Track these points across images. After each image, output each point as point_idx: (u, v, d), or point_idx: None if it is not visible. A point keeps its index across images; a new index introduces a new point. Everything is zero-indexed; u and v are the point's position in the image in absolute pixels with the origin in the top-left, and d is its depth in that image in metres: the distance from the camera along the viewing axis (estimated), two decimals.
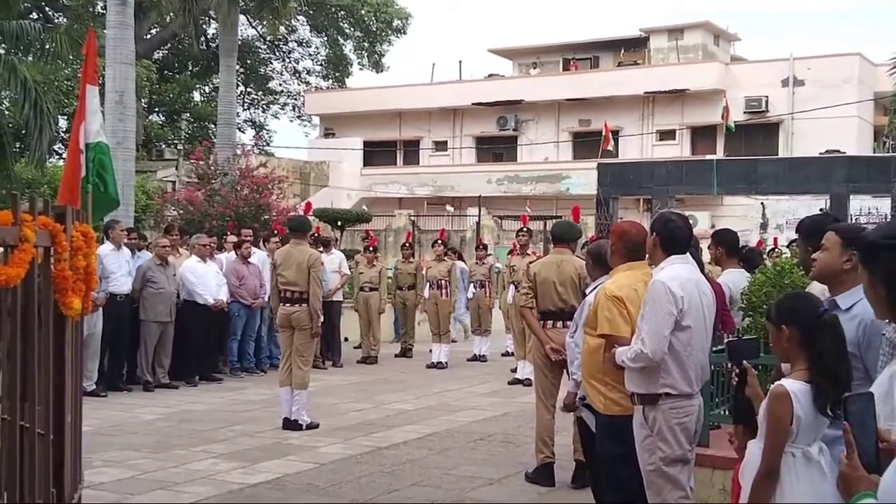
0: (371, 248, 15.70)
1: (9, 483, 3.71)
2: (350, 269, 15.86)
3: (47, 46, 19.48)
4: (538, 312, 7.69)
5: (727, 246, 7.43)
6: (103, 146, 7.01)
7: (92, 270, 4.36)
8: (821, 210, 19.41)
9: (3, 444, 3.75)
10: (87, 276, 4.25)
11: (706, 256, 7.29)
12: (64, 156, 31.21)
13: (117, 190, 7.42)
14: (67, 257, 3.97)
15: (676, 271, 4.83)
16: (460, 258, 17.94)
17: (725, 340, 4.86)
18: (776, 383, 3.61)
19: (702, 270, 5.60)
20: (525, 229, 13.71)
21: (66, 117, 30.35)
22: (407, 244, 16.28)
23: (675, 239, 4.91)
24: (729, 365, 5.10)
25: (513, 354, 13.81)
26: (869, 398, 2.56)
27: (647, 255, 5.21)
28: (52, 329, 4.05)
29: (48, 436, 4.00)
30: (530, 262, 8.21)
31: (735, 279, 6.98)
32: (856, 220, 23.11)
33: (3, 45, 20.26)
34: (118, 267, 11.45)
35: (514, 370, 13.15)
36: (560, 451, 7.57)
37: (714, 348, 5.52)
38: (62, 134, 30.00)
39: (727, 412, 6.28)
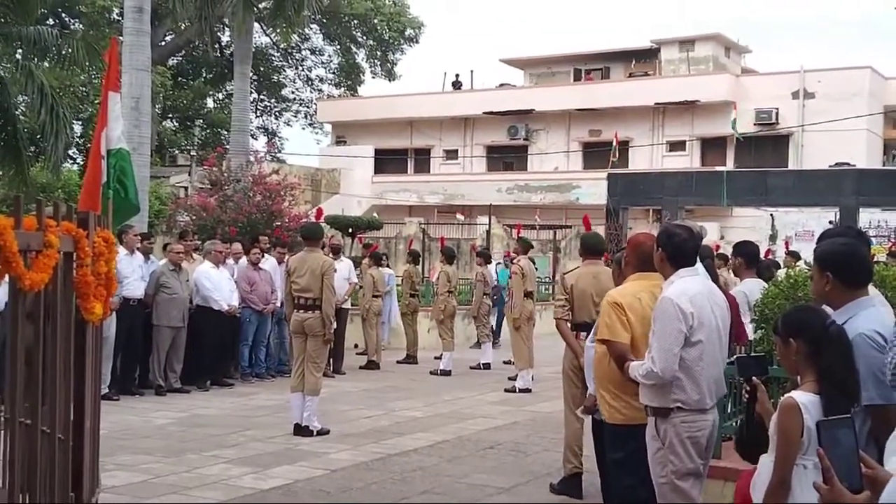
0: (376, 255, 15.94)
1: (29, 486, 3.76)
2: (357, 276, 15.96)
3: (63, 52, 19.61)
4: (573, 324, 7.53)
5: (747, 257, 7.68)
6: (124, 152, 7.10)
7: (112, 276, 4.42)
8: (830, 223, 19.43)
9: (23, 448, 3.81)
10: (107, 282, 4.31)
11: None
12: (78, 161, 31.40)
13: (138, 196, 7.50)
14: (90, 263, 4.03)
15: (685, 286, 4.81)
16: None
17: (735, 357, 4.86)
18: (786, 395, 3.63)
19: (715, 282, 5.62)
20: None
21: (80, 122, 30.53)
22: (410, 250, 16.51)
23: (682, 252, 4.90)
24: (741, 380, 5.11)
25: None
26: (845, 423, 2.59)
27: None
28: (72, 334, 4.10)
29: (68, 440, 4.05)
30: (565, 274, 8.13)
31: (753, 288, 7.15)
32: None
33: (20, 51, 20.40)
34: (131, 271, 11.54)
35: (513, 378, 13.24)
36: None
37: (729, 360, 5.53)
38: (76, 139, 30.14)
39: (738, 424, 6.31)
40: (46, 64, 21.47)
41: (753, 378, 4.05)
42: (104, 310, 4.32)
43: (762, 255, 16.13)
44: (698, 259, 5.16)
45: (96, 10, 33.09)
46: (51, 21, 33.29)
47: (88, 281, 3.99)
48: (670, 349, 4.67)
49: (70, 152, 28.90)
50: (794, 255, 13.72)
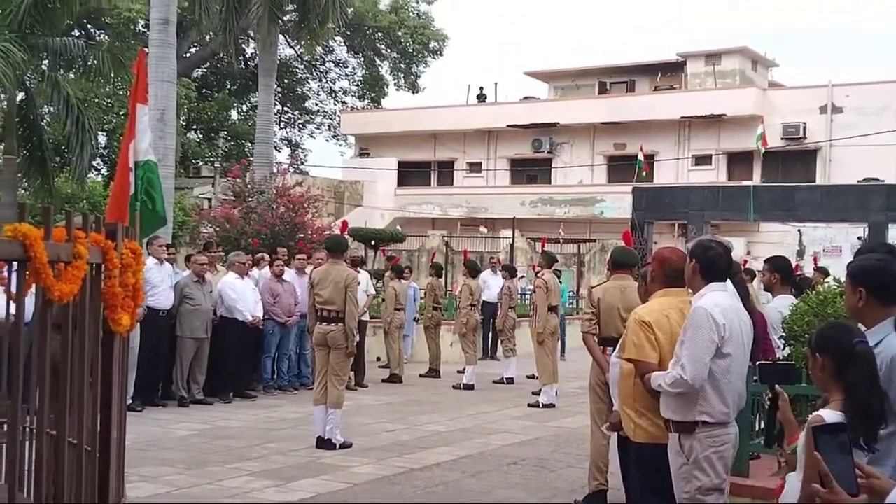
0: (397, 268, 15.92)
1: (56, 497, 3.75)
2: (378, 289, 15.88)
3: (89, 63, 19.77)
4: (600, 339, 7.48)
5: (782, 272, 7.60)
6: (152, 164, 7.12)
7: (139, 287, 4.41)
8: (859, 238, 19.25)
9: (49, 459, 3.79)
10: (134, 293, 4.30)
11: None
12: (103, 171, 31.57)
13: (165, 207, 7.51)
14: (118, 274, 4.02)
15: (717, 298, 4.81)
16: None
17: (757, 363, 4.82)
18: (814, 413, 3.57)
19: (746, 297, 5.56)
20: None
21: (105, 133, 30.74)
22: (433, 263, 16.44)
23: (715, 266, 4.89)
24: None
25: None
26: (840, 428, 2.71)
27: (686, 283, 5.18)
28: (100, 345, 4.09)
29: (94, 451, 4.04)
30: (592, 288, 8.06)
31: (787, 304, 7.07)
32: None
33: (46, 62, 20.59)
34: (161, 281, 11.56)
35: (537, 393, 13.17)
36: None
37: (755, 377, 5.48)
38: (101, 150, 30.34)
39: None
40: (72, 75, 21.66)
41: (776, 386, 3.99)
42: (131, 321, 4.31)
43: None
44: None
45: (122, 21, 33.33)
46: (76, 32, 33.50)
47: (116, 292, 3.98)
48: (701, 358, 4.66)
49: (94, 163, 29.11)
50: (822, 271, 13.58)
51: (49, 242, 3.40)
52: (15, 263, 3.45)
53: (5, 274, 3.69)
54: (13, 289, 3.59)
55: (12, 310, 3.67)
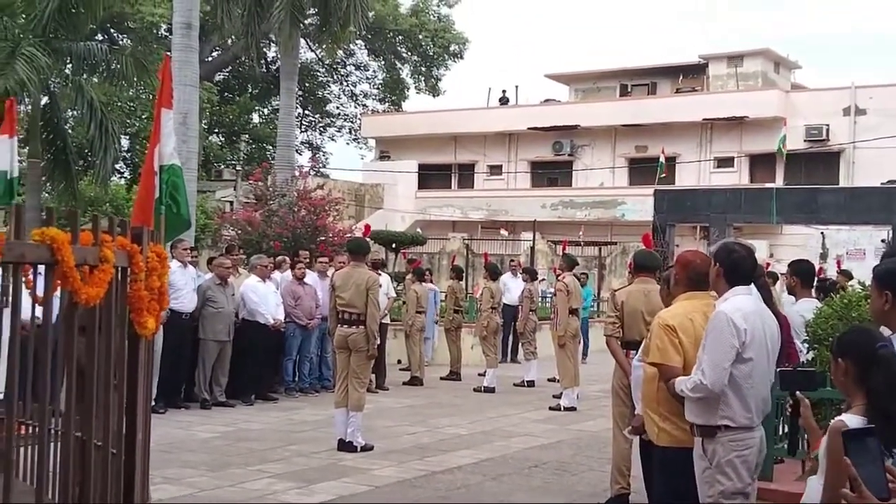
0: (419, 271, 15.91)
1: (82, 499, 3.78)
2: (399, 292, 15.88)
3: (112, 67, 19.92)
4: (623, 342, 7.45)
5: (803, 276, 7.57)
6: (177, 168, 7.17)
7: (164, 290, 4.43)
8: (882, 241, 19.13)
9: (76, 461, 3.82)
10: (159, 296, 4.32)
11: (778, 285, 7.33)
12: (126, 175, 31.79)
13: (189, 211, 7.56)
14: (143, 278, 4.05)
15: (740, 303, 4.78)
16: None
17: (778, 370, 4.79)
18: (836, 418, 3.56)
19: (769, 300, 5.54)
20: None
21: (128, 137, 30.95)
22: (454, 266, 16.45)
23: (739, 269, 4.87)
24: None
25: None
26: (867, 432, 2.69)
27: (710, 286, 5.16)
28: (126, 348, 4.12)
29: (120, 454, 4.06)
30: (615, 291, 8.04)
31: (810, 308, 7.04)
32: None
33: (69, 66, 20.74)
34: (184, 284, 11.62)
35: (558, 396, 13.14)
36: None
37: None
38: (124, 153, 30.56)
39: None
40: (96, 79, 21.82)
41: (797, 392, 3.98)
42: (156, 324, 4.33)
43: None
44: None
45: (145, 26, 33.55)
46: (100, 37, 33.74)
47: (142, 296, 4.01)
48: (721, 363, 4.64)
49: (117, 166, 29.32)
50: (846, 274, 13.50)
51: (76, 246, 3.43)
52: (42, 267, 3.49)
53: (31, 277, 3.71)
54: (39, 292, 3.62)
55: (38, 312, 3.71)
